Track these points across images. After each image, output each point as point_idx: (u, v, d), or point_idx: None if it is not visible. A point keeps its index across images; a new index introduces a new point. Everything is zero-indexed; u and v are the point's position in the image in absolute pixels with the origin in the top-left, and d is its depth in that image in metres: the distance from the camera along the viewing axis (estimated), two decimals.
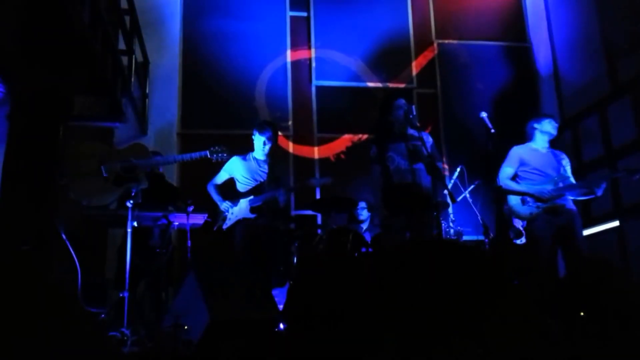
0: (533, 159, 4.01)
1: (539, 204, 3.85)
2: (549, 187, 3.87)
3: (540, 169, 3.97)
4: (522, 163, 4.03)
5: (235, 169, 4.27)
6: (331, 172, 5.94)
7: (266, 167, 4.28)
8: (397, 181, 3.56)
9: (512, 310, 1.40)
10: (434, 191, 3.75)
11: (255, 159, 4.29)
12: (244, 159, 4.29)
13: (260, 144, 4.22)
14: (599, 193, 3.78)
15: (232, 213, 4.14)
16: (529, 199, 3.89)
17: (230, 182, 4.34)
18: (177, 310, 3.12)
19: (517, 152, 4.07)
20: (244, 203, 4.12)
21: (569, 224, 3.82)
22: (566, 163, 4.05)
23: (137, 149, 3.69)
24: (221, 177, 4.32)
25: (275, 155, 5.82)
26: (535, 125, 4.07)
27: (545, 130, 4.03)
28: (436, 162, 3.54)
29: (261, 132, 4.20)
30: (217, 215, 4.23)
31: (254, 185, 4.20)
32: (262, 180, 4.22)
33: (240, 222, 4.11)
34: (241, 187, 4.23)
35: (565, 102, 6.20)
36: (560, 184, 3.87)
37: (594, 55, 5.71)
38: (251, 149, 4.33)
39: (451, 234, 4.76)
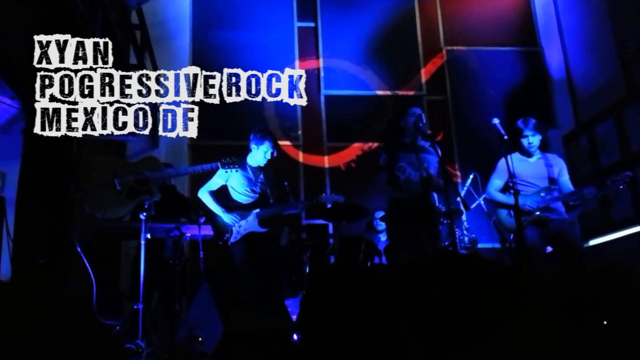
0: (521, 169, 3.80)
1: (524, 217, 3.66)
2: (534, 198, 3.73)
3: (529, 180, 3.81)
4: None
5: (232, 178, 4.05)
6: (342, 181, 5.94)
7: (262, 176, 4.15)
8: (407, 192, 3.53)
9: (534, 318, 1.38)
10: (447, 200, 3.73)
11: (251, 167, 4.12)
12: (240, 167, 4.02)
13: (262, 153, 4.05)
14: (590, 204, 3.60)
15: (240, 226, 3.98)
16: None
17: (222, 190, 4.13)
18: (191, 322, 3.12)
19: (505, 163, 3.74)
20: (252, 216, 3.99)
21: (559, 234, 3.67)
22: (560, 168, 3.87)
23: (150, 162, 3.71)
24: (216, 183, 4.09)
25: (283, 164, 5.87)
26: (518, 135, 3.85)
27: (527, 141, 3.83)
28: (435, 180, 3.53)
29: (262, 140, 4.05)
30: (217, 225, 4.03)
31: (256, 197, 4.05)
32: (263, 191, 4.09)
33: (247, 236, 3.97)
34: (242, 198, 4.05)
35: (580, 106, 6.09)
36: (547, 196, 3.73)
37: (607, 58, 5.62)
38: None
39: (465, 242, 4.71)
